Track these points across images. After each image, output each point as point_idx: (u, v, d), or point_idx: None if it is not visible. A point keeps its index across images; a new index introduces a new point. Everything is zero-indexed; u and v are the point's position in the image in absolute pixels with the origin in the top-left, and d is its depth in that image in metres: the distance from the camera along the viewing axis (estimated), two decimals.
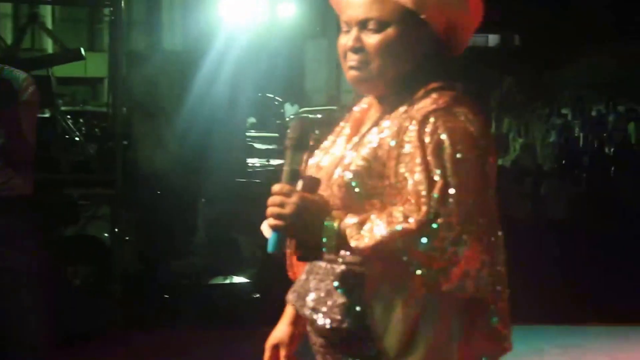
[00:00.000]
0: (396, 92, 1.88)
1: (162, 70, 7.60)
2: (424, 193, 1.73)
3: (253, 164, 10.81)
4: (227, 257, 6.87)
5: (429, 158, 1.75)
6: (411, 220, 1.71)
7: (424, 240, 1.70)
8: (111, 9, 6.82)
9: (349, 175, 1.85)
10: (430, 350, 1.76)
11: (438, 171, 1.74)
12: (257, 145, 14.13)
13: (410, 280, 1.73)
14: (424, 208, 1.72)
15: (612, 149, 14.47)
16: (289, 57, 22.80)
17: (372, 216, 1.76)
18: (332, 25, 23.65)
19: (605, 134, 16.48)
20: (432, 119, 1.78)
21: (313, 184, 1.85)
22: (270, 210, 1.81)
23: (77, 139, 7.53)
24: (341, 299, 1.85)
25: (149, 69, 7.56)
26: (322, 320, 1.88)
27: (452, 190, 1.72)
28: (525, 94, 20.35)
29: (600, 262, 8.33)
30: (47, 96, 6.51)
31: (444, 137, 1.76)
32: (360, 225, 1.75)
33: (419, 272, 1.72)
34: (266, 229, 1.86)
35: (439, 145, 1.75)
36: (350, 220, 1.77)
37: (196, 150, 7.47)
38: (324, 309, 1.88)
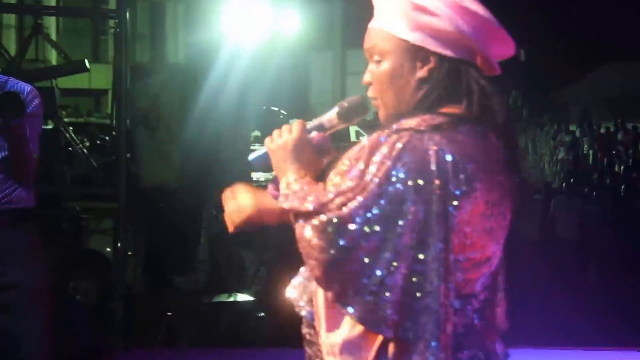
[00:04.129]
0: (403, 114, 1.88)
1: (166, 83, 7.58)
2: (335, 189, 1.75)
3: (258, 178, 10.75)
4: (231, 274, 6.81)
5: (369, 167, 1.75)
6: (309, 205, 1.76)
7: (309, 228, 1.74)
8: (116, 20, 6.80)
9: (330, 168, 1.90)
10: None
11: (365, 181, 1.73)
12: None
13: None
14: (323, 199, 1.75)
15: (622, 167, 14.44)
16: (294, 70, 22.92)
17: (313, 189, 1.82)
18: (337, 38, 23.69)
19: (614, 152, 16.42)
20: (399, 136, 1.77)
21: (324, 144, 1.95)
22: (275, 132, 1.94)
23: (80, 151, 7.47)
24: (313, 287, 1.89)
25: (153, 81, 7.54)
26: (293, 302, 1.94)
27: (362, 201, 1.72)
28: (532, 109, 20.32)
29: (612, 282, 8.25)
30: (51, 108, 6.50)
31: (394, 154, 1.74)
32: (300, 189, 1.82)
33: (305, 258, 1.77)
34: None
35: (383, 160, 1.74)
36: (303, 181, 1.85)
37: (200, 164, 7.43)
38: (297, 293, 1.93)
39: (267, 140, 1.94)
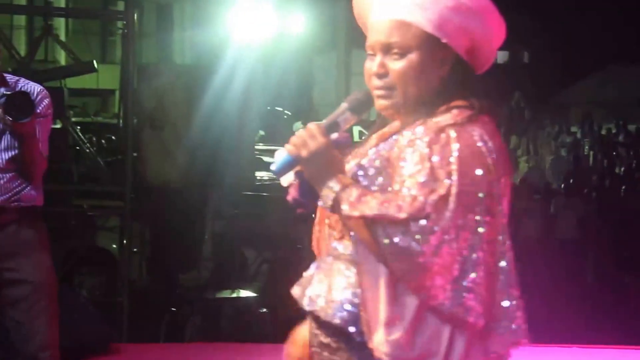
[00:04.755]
0: (421, 109, 1.93)
1: (173, 84, 7.63)
2: (421, 194, 1.78)
3: (261, 177, 10.84)
4: (234, 271, 6.89)
5: (436, 166, 1.80)
6: (402, 213, 1.77)
7: (404, 234, 1.76)
8: (124, 22, 6.81)
9: (360, 169, 1.91)
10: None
11: (443, 180, 1.78)
12: (266, 159, 14.09)
13: (387, 268, 1.80)
14: (417, 205, 1.77)
15: (622, 168, 14.43)
16: (299, 70, 22.86)
17: (374, 194, 1.83)
18: (341, 39, 23.71)
19: (614, 153, 16.40)
20: (446, 132, 1.83)
21: (345, 142, 1.93)
22: (297, 137, 1.88)
23: (87, 150, 7.55)
24: (339, 296, 1.90)
25: (160, 82, 7.59)
26: (318, 313, 1.93)
27: (451, 200, 1.77)
28: (534, 111, 20.29)
29: (610, 281, 8.27)
30: (59, 107, 6.53)
31: (454, 150, 1.81)
32: (359, 196, 1.82)
33: (394, 263, 1.77)
34: (280, 152, 1.91)
35: (447, 157, 1.80)
36: (353, 187, 1.84)
37: (205, 163, 7.49)
38: (322, 303, 1.93)
39: (289, 147, 1.88)
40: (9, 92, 3.39)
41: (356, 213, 1.80)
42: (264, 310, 6.38)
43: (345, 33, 23.45)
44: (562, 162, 15.53)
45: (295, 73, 21.48)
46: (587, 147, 17.62)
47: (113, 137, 10.21)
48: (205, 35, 10.33)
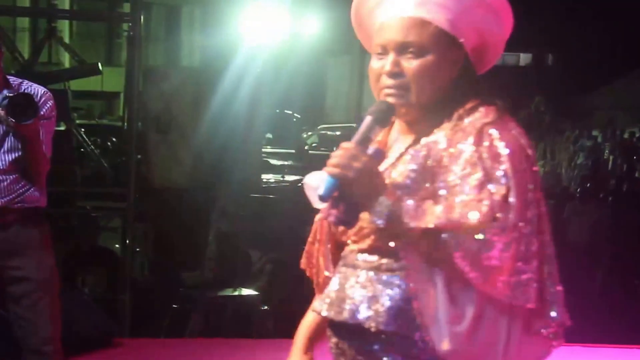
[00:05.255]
0: (432, 111, 1.92)
1: (178, 87, 7.67)
2: (483, 197, 1.78)
3: (268, 179, 10.90)
4: (237, 270, 6.94)
5: (489, 167, 1.80)
6: (472, 216, 1.76)
7: (475, 239, 1.75)
8: (130, 24, 6.79)
9: (396, 187, 1.88)
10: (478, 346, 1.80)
11: (500, 180, 1.79)
12: (273, 161, 14.16)
13: (453, 272, 1.78)
14: (484, 209, 1.76)
15: None
16: (311, 73, 22.67)
17: (428, 202, 1.81)
18: (355, 42, 23.52)
19: (635, 157, 16.21)
20: (485, 131, 1.84)
21: (381, 156, 1.90)
22: (340, 158, 1.81)
23: (91, 152, 7.61)
24: (387, 303, 1.89)
25: (165, 85, 7.63)
26: (366, 324, 1.90)
27: (512, 199, 1.78)
28: (555, 115, 20.03)
29: (619, 286, 8.24)
30: (64, 110, 6.57)
31: (501, 148, 1.81)
32: (416, 207, 1.79)
33: (465, 269, 1.76)
34: (316, 178, 1.88)
35: (498, 156, 1.81)
36: (406, 199, 1.81)
37: (212, 165, 7.53)
38: (370, 313, 1.90)
39: (332, 170, 1.82)
40: (12, 94, 3.41)
41: (423, 224, 1.78)
42: (265, 307, 6.45)
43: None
44: (579, 166, 15.38)
45: (306, 76, 21.38)
46: (607, 151, 17.45)
47: (114, 140, 10.25)
48: (214, 39, 10.32)
